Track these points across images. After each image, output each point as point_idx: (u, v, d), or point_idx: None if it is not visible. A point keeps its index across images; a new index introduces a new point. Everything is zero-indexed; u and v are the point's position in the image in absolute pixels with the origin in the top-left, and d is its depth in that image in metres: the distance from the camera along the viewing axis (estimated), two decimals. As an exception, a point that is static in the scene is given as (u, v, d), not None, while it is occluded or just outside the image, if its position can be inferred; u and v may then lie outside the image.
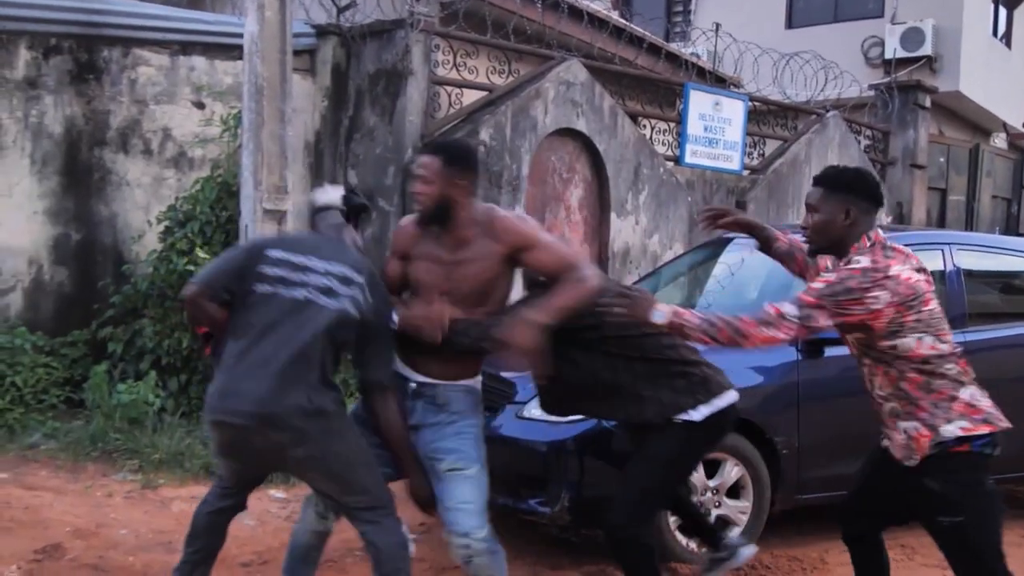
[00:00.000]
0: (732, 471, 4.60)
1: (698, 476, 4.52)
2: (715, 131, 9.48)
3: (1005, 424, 3.09)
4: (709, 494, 4.57)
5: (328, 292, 3.06)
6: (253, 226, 5.92)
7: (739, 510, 4.64)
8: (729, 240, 6.41)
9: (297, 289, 3.05)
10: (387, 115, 7.39)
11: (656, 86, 9.45)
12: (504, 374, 4.88)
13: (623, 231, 8.45)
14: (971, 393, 3.09)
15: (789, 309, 3.06)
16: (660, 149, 9.15)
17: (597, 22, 9.30)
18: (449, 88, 7.62)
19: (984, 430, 3.05)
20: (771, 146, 10.60)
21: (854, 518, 3.48)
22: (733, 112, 9.63)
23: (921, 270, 3.16)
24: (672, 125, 9.38)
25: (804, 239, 3.32)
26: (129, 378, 6.14)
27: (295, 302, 3.04)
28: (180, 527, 3.10)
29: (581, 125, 8.04)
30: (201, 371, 6.06)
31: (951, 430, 3.03)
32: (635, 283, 6.70)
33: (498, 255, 3.25)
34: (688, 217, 8.92)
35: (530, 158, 7.73)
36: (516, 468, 4.57)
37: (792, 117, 10.91)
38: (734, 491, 4.64)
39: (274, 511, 5.09)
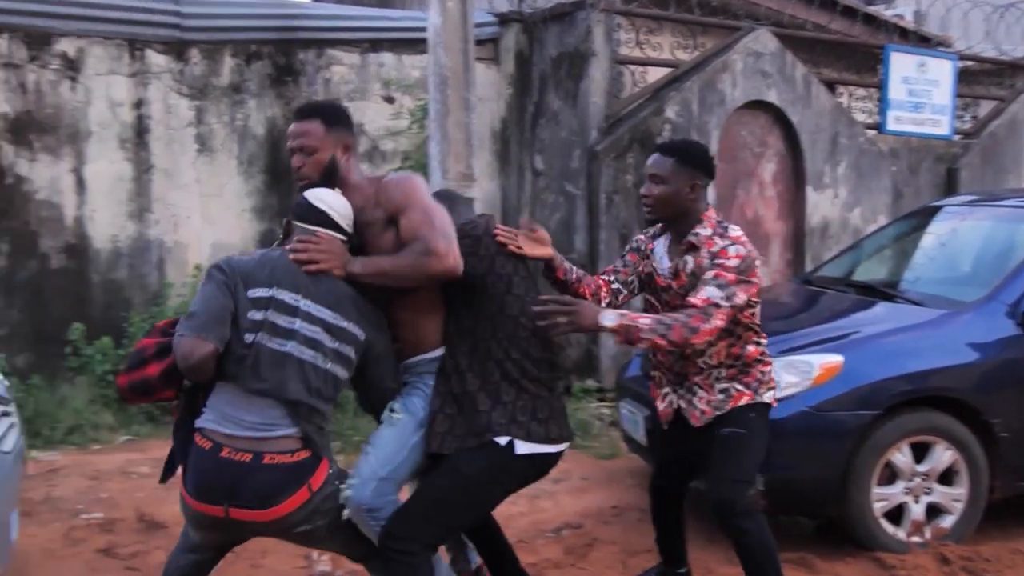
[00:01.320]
0: (944, 455, 4.29)
1: (905, 460, 4.25)
2: (920, 95, 8.86)
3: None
4: (918, 480, 4.28)
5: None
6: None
7: (952, 498, 4.33)
8: (938, 208, 6.00)
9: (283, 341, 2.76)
10: (571, 98, 7.36)
11: (853, 51, 8.95)
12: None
13: (821, 205, 8.06)
14: (771, 370, 3.48)
15: (715, 293, 3.14)
16: (860, 117, 8.67)
17: (787, -12, 8.92)
18: (632, 67, 7.50)
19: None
20: (986, 108, 9.81)
21: (662, 491, 3.78)
22: (941, 73, 8.98)
23: None
24: (872, 91, 8.86)
25: (646, 209, 3.39)
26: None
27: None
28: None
29: (772, 96, 7.72)
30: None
31: (767, 397, 3.42)
32: (834, 257, 6.37)
33: (381, 222, 2.95)
34: (892, 188, 8.41)
35: (719, 133, 7.50)
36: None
37: (1009, 75, 10.07)
38: (947, 477, 4.33)
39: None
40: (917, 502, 4.29)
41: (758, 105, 7.70)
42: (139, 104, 6.51)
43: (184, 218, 6.66)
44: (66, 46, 6.28)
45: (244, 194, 6.85)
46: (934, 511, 4.33)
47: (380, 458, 2.91)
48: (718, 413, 3.40)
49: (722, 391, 3.40)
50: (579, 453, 5.84)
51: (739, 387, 3.39)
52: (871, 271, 5.82)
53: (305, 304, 2.77)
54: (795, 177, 8.01)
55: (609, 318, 3.05)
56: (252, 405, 2.71)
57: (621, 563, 4.30)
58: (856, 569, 4.13)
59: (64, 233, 6.37)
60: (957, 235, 5.64)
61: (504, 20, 7.69)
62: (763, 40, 7.68)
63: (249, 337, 2.71)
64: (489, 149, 7.62)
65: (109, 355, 6.16)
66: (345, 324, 2.81)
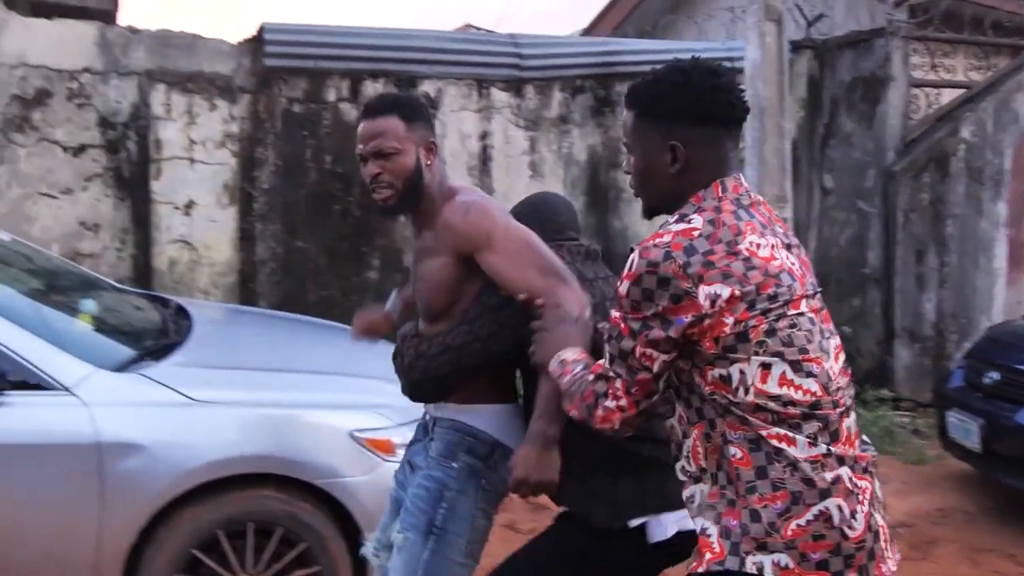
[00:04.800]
0: None
1: None
2: None
3: None
4: None
5: None
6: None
7: None
8: None
9: None
10: (865, 120, 7.77)
11: None
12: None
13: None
14: (829, 507, 1.72)
15: (607, 353, 1.89)
16: None
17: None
18: (926, 89, 7.83)
19: None
20: None
21: None
22: None
23: (792, 247, 1.88)
24: None
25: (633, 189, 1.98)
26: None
27: None
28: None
29: (1067, 114, 7.86)
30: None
31: (757, 562, 1.71)
32: None
33: (446, 253, 2.40)
34: None
35: (1012, 152, 7.71)
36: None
37: None
38: None
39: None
40: None
41: (1052, 123, 7.87)
42: (484, 136, 7.44)
43: (517, 235, 7.54)
44: (428, 87, 7.27)
45: (572, 213, 7.66)
46: None
47: None
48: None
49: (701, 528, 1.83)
50: (890, 459, 6.28)
51: (709, 527, 1.79)
52: None
53: None
54: (1087, 193, 8.10)
55: (556, 362, 2.09)
56: None
57: (968, 559, 4.77)
58: None
59: (420, 249, 7.35)
60: None
61: (796, 47, 8.16)
62: (1058, 59, 7.83)
63: None
64: (783, 169, 8.14)
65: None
66: None
